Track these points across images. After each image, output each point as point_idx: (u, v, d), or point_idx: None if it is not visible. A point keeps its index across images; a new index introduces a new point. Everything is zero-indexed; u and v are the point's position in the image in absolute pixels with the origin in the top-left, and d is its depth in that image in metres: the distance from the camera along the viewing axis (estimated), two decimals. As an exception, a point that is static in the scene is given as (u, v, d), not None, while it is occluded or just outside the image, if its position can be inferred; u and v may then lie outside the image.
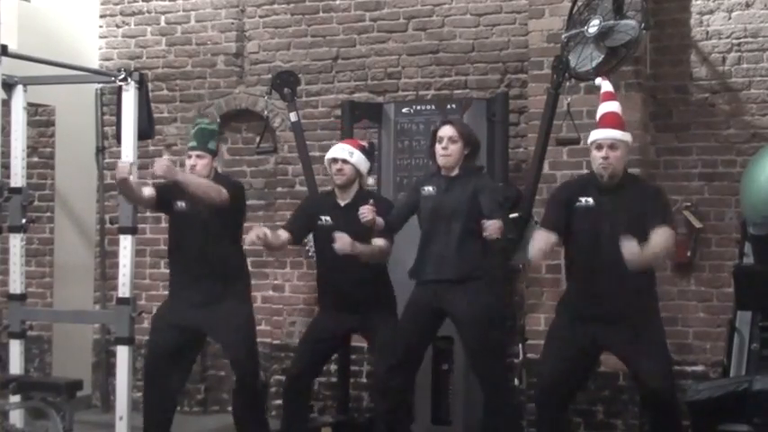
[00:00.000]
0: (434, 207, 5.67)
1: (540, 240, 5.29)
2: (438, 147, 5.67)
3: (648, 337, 5.22)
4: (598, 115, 5.44)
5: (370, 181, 6.38)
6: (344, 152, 5.94)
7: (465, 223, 5.57)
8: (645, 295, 5.25)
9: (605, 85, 5.56)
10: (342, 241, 5.60)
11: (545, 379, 5.40)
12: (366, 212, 5.54)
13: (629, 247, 4.84)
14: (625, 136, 5.33)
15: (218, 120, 7.60)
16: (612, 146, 5.24)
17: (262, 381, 6.27)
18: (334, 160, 5.95)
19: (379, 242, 5.77)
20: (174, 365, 6.02)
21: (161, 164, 5.73)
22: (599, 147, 5.28)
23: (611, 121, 5.34)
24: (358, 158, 5.95)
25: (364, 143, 6.19)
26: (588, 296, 5.25)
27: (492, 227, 5.32)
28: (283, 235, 6.03)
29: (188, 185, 5.78)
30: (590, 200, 5.30)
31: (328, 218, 5.98)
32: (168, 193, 6.01)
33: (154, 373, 5.98)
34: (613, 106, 5.41)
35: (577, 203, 5.33)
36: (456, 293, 5.56)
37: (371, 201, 5.67)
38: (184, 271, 6.04)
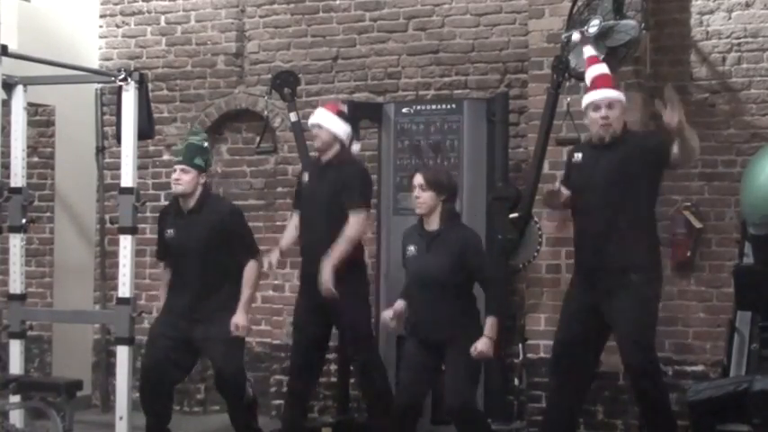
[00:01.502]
0: (418, 271, 5.68)
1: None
2: (413, 195, 5.70)
3: (632, 298, 5.28)
4: (588, 79, 5.52)
5: (355, 148, 6.35)
6: (318, 117, 6.15)
7: (448, 289, 5.57)
8: (637, 243, 5.26)
9: (587, 50, 5.59)
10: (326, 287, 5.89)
11: (558, 342, 5.62)
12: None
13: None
14: (620, 95, 5.42)
15: (212, 121, 7.63)
16: (610, 105, 5.34)
17: (249, 396, 6.21)
18: (312, 126, 6.21)
19: (348, 229, 5.97)
20: (169, 374, 6.13)
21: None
22: (596, 108, 5.34)
23: (603, 82, 5.41)
24: (331, 122, 6.11)
25: (341, 106, 6.31)
26: (585, 250, 5.46)
27: (475, 352, 5.45)
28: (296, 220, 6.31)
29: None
30: (579, 155, 5.56)
31: (307, 175, 6.30)
32: (162, 222, 6.30)
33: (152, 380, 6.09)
34: (602, 68, 5.49)
35: (573, 160, 5.60)
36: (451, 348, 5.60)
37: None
38: (180, 290, 6.15)
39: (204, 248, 6.05)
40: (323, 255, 5.98)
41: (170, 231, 6.19)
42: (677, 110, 4.99)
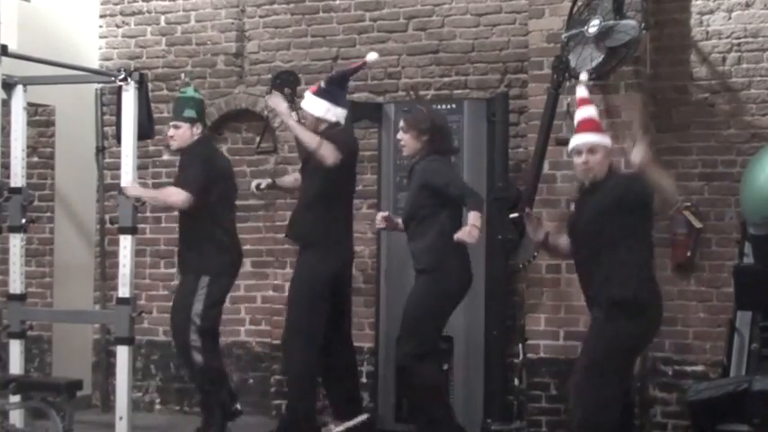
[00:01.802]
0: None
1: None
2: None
3: (595, 330, 5.27)
4: (575, 122, 5.50)
5: (371, 57, 6.31)
6: (302, 103, 6.19)
7: (415, 219, 5.79)
8: (612, 285, 5.19)
9: (580, 91, 5.59)
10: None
11: None
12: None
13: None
14: (603, 139, 5.35)
15: (212, 121, 7.64)
16: (591, 150, 5.29)
17: (199, 363, 6.16)
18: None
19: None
20: None
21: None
22: (578, 152, 5.34)
23: (587, 126, 5.38)
24: (308, 103, 6.11)
25: (321, 82, 6.24)
26: (580, 284, 5.46)
27: (464, 235, 5.57)
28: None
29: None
30: (573, 204, 5.61)
31: None
32: None
33: None
34: (589, 111, 5.45)
35: (570, 209, 5.69)
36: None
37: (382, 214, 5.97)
38: None
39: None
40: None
41: None
42: (643, 152, 4.98)
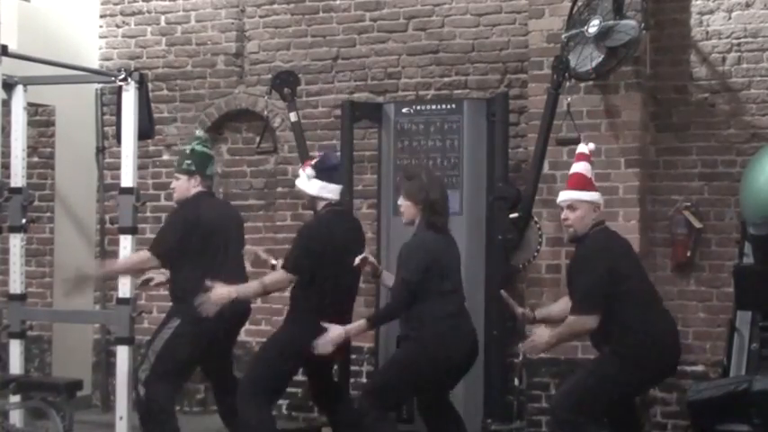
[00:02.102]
0: None
1: None
2: None
3: (586, 364, 5.44)
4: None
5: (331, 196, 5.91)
6: (297, 180, 5.97)
7: None
8: (606, 339, 5.26)
9: (580, 147, 5.61)
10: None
11: None
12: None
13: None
14: (585, 195, 5.35)
15: (212, 121, 7.63)
16: (571, 207, 5.34)
17: (158, 403, 5.89)
18: None
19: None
20: None
21: None
22: (561, 209, 5.42)
23: (573, 181, 5.43)
24: (302, 182, 5.86)
25: (311, 161, 5.95)
26: None
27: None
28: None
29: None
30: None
31: None
32: None
33: None
34: (579, 167, 5.45)
35: None
36: None
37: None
38: None
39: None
40: None
41: None
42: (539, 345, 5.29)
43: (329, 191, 5.85)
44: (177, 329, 5.89)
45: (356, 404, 5.85)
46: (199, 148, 6.18)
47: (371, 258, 5.85)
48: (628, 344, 5.19)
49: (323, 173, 5.84)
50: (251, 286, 5.88)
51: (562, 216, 5.40)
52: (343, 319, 5.78)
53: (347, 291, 5.94)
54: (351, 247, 5.82)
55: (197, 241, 5.93)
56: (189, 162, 6.06)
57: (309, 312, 5.72)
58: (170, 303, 6.21)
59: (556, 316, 5.55)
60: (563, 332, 5.31)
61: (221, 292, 5.68)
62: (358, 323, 5.57)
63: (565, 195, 5.40)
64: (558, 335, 5.32)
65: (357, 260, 5.72)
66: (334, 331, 5.51)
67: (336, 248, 5.76)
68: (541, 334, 5.36)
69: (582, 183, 5.40)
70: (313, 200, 5.91)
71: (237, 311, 5.97)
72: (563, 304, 5.57)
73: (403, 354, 5.60)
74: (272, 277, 5.86)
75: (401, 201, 5.64)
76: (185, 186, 6.05)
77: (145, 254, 6.10)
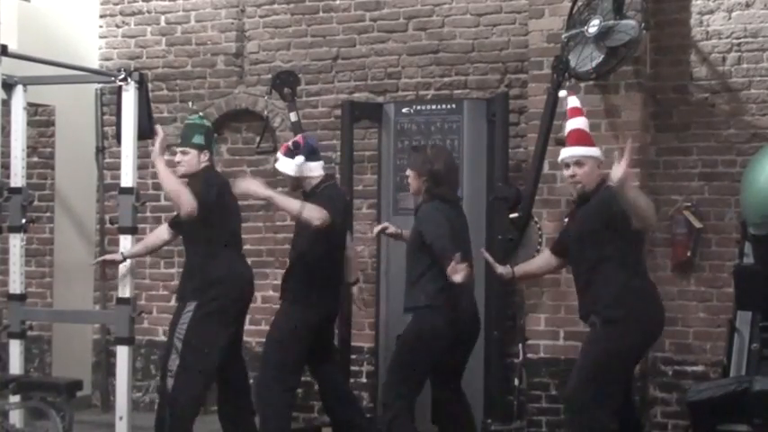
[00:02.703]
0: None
1: None
2: None
3: (585, 352, 5.29)
4: (565, 133, 5.51)
5: (315, 173, 6.05)
6: (277, 163, 6.08)
7: (413, 262, 5.68)
8: (604, 304, 5.22)
9: (571, 101, 5.59)
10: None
11: None
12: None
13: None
14: (590, 151, 5.35)
15: (212, 121, 7.62)
16: (578, 163, 5.32)
17: (168, 387, 5.84)
18: None
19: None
20: None
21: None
22: (566, 165, 5.37)
23: (575, 138, 5.39)
24: (281, 164, 6.00)
25: (288, 143, 6.09)
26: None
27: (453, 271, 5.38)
28: None
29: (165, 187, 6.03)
30: (566, 219, 5.60)
31: None
32: None
33: None
34: (578, 123, 5.45)
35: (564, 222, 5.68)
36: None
37: None
38: None
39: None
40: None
41: None
42: (623, 168, 4.95)
43: (309, 168, 5.99)
44: (197, 311, 5.79)
45: (380, 403, 5.87)
46: (206, 122, 6.22)
47: (391, 228, 6.04)
48: (620, 305, 5.15)
49: (311, 154, 6.01)
50: (291, 201, 5.87)
51: (569, 173, 5.34)
52: (337, 291, 6.10)
53: (339, 266, 6.18)
54: (347, 221, 6.34)
55: (218, 214, 5.90)
56: (201, 136, 5.99)
57: (308, 290, 5.91)
58: (169, 303, 6.22)
59: (536, 270, 5.68)
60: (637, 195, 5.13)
61: (256, 187, 5.82)
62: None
63: (571, 151, 5.35)
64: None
65: (376, 230, 6.10)
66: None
67: (341, 223, 6.05)
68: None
69: (585, 138, 5.40)
70: (295, 181, 6.02)
71: (246, 294, 6.10)
72: (542, 260, 5.68)
73: (410, 328, 5.60)
74: (311, 209, 5.77)
75: (408, 171, 5.80)
76: (195, 161, 5.96)
77: (161, 228, 6.15)
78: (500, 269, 5.70)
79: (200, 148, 5.97)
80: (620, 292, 5.18)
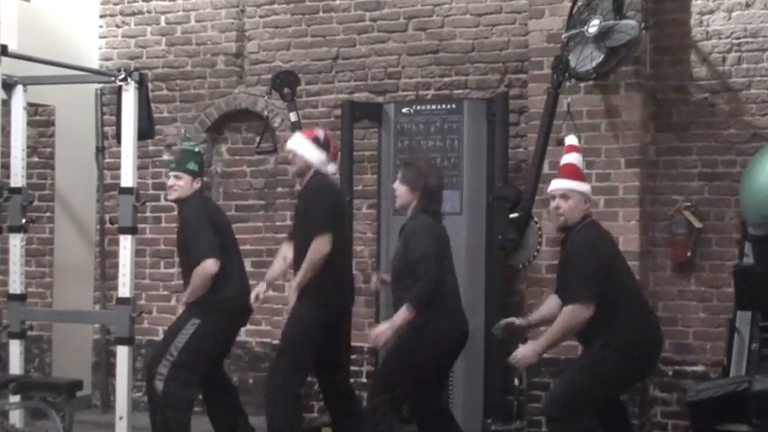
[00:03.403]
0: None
1: None
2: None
3: (574, 363, 5.43)
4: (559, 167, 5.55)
5: (331, 169, 6.22)
6: (294, 143, 6.13)
7: (400, 277, 5.66)
8: (596, 334, 5.26)
9: (569, 139, 5.68)
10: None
11: None
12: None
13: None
14: (578, 186, 5.38)
15: (212, 121, 7.64)
16: (564, 196, 5.36)
17: (158, 390, 5.95)
18: (286, 150, 6.23)
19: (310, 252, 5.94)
20: None
21: None
22: (552, 197, 5.43)
23: (565, 171, 5.45)
24: (306, 149, 6.05)
25: (318, 133, 6.19)
26: None
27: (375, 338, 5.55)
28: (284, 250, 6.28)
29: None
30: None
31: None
32: None
33: None
34: (571, 158, 5.50)
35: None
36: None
37: None
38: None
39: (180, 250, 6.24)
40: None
41: None
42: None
43: (323, 165, 6.10)
44: (200, 326, 5.96)
45: (366, 408, 5.89)
46: (199, 150, 6.38)
47: (385, 277, 6.02)
48: (620, 337, 5.22)
49: (323, 147, 6.10)
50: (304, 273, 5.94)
51: (553, 205, 5.42)
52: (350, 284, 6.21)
53: (348, 258, 6.34)
54: (345, 210, 6.49)
55: (222, 241, 6.10)
56: (195, 164, 6.16)
57: (322, 289, 5.95)
58: (169, 303, 6.23)
59: (549, 316, 5.57)
60: (555, 329, 5.27)
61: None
62: (401, 311, 5.50)
63: (558, 184, 5.42)
64: (549, 335, 5.31)
65: (376, 284, 6.07)
66: (380, 328, 5.60)
67: (341, 215, 6.21)
68: (525, 349, 5.35)
69: (575, 173, 5.45)
70: (304, 167, 6.10)
71: (245, 319, 6.36)
72: (551, 303, 5.61)
73: (402, 341, 5.60)
74: (313, 252, 5.90)
75: (397, 185, 5.77)
76: (188, 186, 6.13)
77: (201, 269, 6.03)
78: (519, 322, 5.72)
79: (194, 174, 6.14)
80: (621, 324, 5.25)
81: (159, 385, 5.91)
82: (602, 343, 5.25)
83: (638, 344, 5.27)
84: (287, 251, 6.29)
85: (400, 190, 5.74)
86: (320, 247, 5.89)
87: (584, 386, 5.25)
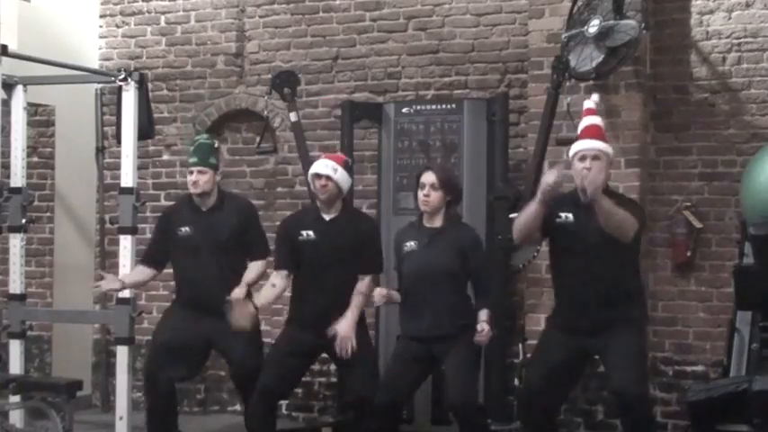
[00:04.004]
0: (418, 266, 5.57)
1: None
2: (420, 193, 5.59)
3: (626, 345, 5.17)
4: (579, 129, 5.36)
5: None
6: (328, 168, 5.78)
7: (448, 284, 5.55)
8: (627, 305, 5.23)
9: (587, 103, 5.49)
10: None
11: (532, 385, 5.45)
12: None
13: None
14: (608, 148, 5.26)
15: (212, 121, 7.64)
16: (596, 157, 5.16)
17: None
18: (318, 176, 5.78)
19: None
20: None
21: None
22: (582, 158, 5.18)
23: (594, 132, 5.26)
24: (341, 175, 5.81)
25: (347, 158, 6.10)
26: (576, 308, 5.27)
27: (483, 336, 5.47)
28: (277, 280, 5.99)
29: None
30: (570, 216, 5.29)
31: (311, 232, 5.88)
32: (164, 234, 6.21)
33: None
34: (596, 119, 5.35)
35: (558, 220, 5.33)
36: (451, 345, 5.55)
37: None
38: (196, 286, 6.13)
39: (225, 245, 6.09)
40: (329, 306, 5.81)
41: (185, 229, 6.10)
42: (595, 180, 5.00)
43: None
44: None
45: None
46: (216, 143, 6.38)
47: (390, 292, 5.80)
48: (642, 309, 5.36)
49: (350, 171, 6.04)
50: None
51: (585, 165, 5.13)
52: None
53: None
54: None
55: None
56: (214, 158, 6.16)
57: None
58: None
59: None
60: (612, 207, 5.02)
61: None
62: (487, 312, 5.53)
63: (591, 144, 5.18)
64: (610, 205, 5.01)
65: (378, 295, 5.69)
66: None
67: None
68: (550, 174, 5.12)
69: (603, 134, 5.29)
70: (338, 193, 5.85)
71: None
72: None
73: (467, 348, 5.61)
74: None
75: (430, 191, 5.52)
76: (212, 181, 6.10)
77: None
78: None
79: (215, 168, 6.13)
80: (643, 298, 5.38)
81: None
82: (639, 315, 5.29)
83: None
84: (277, 280, 6.01)
85: (434, 195, 5.53)
86: (372, 286, 5.82)
87: (646, 372, 5.35)
